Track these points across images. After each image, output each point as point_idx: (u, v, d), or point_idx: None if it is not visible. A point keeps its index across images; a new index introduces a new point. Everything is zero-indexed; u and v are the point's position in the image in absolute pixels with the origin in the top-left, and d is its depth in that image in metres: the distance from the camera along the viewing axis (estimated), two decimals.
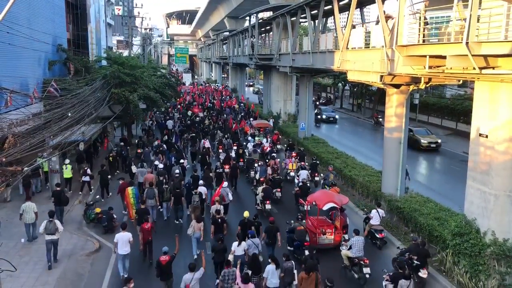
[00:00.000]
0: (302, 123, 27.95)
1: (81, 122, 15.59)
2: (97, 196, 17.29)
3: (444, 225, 12.75)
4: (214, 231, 12.59)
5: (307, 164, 20.52)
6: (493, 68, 9.58)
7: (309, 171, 19.14)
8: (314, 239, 13.40)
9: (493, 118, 10.44)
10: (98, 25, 33.24)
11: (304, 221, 13.72)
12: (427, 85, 14.63)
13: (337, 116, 40.80)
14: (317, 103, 48.51)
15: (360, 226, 14.66)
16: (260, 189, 16.81)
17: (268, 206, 16.29)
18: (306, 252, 12.25)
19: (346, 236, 13.34)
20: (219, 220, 12.79)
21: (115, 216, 14.97)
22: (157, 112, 34.52)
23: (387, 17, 15.31)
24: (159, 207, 16.05)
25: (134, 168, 19.03)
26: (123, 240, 11.65)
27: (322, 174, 19.55)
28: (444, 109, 35.30)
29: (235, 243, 11.19)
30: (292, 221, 13.64)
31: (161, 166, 18.21)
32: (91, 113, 16.96)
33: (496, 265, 10.44)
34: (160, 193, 15.71)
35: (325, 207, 13.67)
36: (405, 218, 14.60)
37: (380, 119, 35.41)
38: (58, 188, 15.54)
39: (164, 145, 23.05)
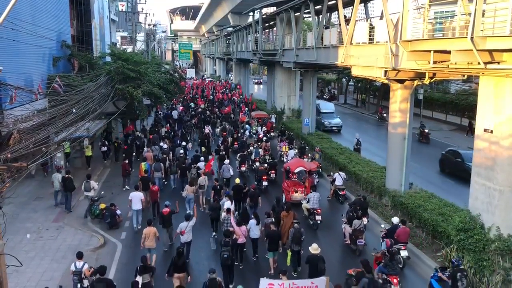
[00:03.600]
0: (306, 118, 27.97)
1: (86, 118, 15.66)
2: (102, 192, 17.38)
3: (448, 221, 12.74)
4: (214, 196, 15.47)
5: (296, 147, 23.98)
6: (498, 63, 9.53)
7: (298, 153, 21.97)
8: (288, 196, 17.04)
9: (498, 113, 10.37)
10: (102, 21, 33.16)
11: (266, 165, 19.64)
12: (432, 80, 14.53)
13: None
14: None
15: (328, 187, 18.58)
16: (238, 155, 21.15)
17: (243, 169, 20.57)
18: (264, 183, 18.34)
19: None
20: (218, 187, 15.89)
21: (118, 212, 15.05)
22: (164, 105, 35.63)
23: (346, 20, 15.39)
24: (164, 180, 19.11)
25: (146, 150, 22.35)
26: (136, 198, 14.49)
27: (310, 155, 21.47)
28: (448, 104, 35.14)
29: (228, 202, 13.87)
30: (258, 164, 19.41)
31: (165, 146, 22.20)
32: (95, 109, 17.04)
33: (500, 261, 10.42)
34: (169, 168, 19.00)
35: (297, 170, 17.55)
36: (409, 214, 14.59)
37: (385, 115, 35.27)
38: (67, 175, 16.46)
39: (171, 132, 27.50)
